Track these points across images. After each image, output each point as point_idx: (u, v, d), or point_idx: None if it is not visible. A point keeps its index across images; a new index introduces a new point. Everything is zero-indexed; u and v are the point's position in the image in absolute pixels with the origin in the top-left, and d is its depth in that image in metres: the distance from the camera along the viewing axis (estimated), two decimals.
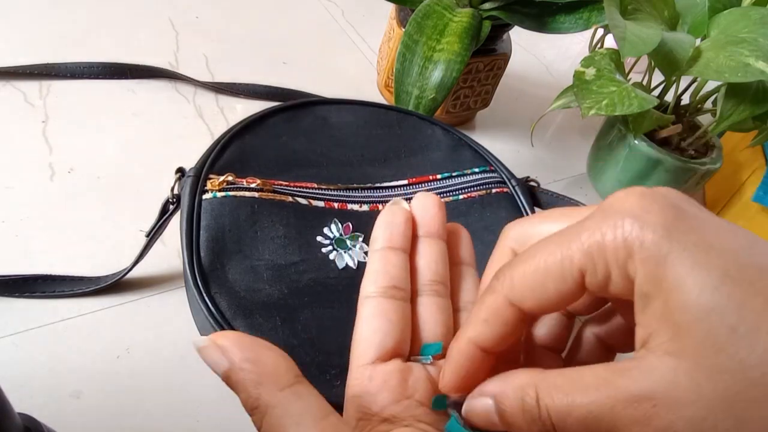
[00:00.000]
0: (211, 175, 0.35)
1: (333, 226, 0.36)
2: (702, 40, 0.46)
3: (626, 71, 0.46)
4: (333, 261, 0.35)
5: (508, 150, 0.61)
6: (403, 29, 0.49)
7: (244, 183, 0.35)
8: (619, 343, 0.21)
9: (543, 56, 0.79)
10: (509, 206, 0.41)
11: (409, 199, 0.24)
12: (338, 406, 0.21)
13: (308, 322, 0.32)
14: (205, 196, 0.34)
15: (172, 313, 0.38)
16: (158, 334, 0.37)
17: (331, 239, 0.36)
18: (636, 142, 0.50)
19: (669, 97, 0.52)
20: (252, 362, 0.18)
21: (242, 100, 0.56)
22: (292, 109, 0.42)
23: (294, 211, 0.36)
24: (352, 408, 0.21)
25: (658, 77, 0.49)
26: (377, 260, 0.22)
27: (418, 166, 0.42)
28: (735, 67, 0.40)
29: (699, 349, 0.14)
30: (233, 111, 0.55)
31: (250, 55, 0.62)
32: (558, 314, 0.22)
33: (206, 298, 0.31)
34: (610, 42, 0.49)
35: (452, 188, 0.41)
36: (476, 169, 0.43)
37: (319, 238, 0.35)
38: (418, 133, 0.44)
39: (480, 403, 0.19)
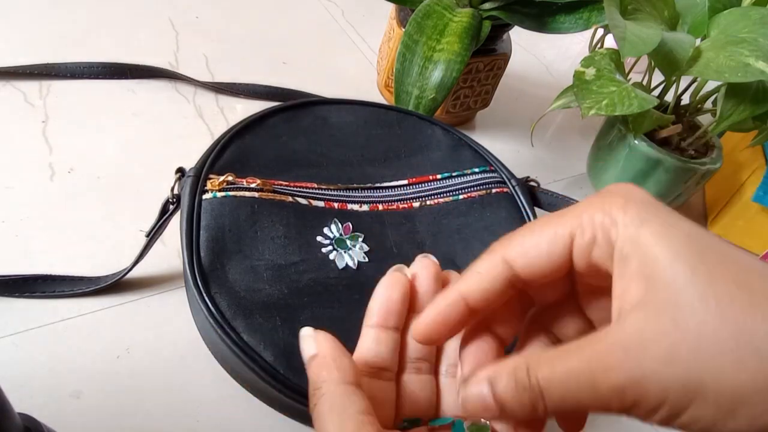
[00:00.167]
0: (211, 175, 0.35)
1: (333, 226, 0.36)
2: (702, 40, 0.46)
3: (626, 71, 0.46)
4: (333, 261, 0.35)
5: (508, 150, 0.61)
6: (403, 29, 0.50)
7: (244, 183, 0.35)
8: None
9: (543, 56, 0.79)
10: (509, 206, 0.41)
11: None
12: None
13: (308, 322, 0.31)
14: (205, 196, 0.34)
15: (172, 313, 0.38)
16: (158, 334, 0.37)
17: (331, 239, 0.36)
18: (636, 142, 0.50)
19: (669, 97, 0.52)
20: (331, 357, 0.21)
21: (242, 100, 0.56)
22: (292, 109, 0.42)
23: (294, 211, 0.36)
24: None
25: (658, 77, 0.49)
26: (370, 340, 0.24)
27: (418, 166, 0.42)
28: (735, 67, 0.40)
29: (665, 302, 0.17)
30: (233, 111, 0.55)
31: (250, 55, 0.62)
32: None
33: (206, 298, 0.31)
34: (610, 42, 0.49)
35: (452, 188, 0.41)
36: (476, 169, 0.43)
37: (319, 238, 0.35)
38: (418, 133, 0.44)
39: (475, 388, 0.20)
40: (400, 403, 0.24)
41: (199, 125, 0.52)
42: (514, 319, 0.23)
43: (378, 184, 0.40)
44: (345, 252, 0.35)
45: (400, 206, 0.39)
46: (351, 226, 0.37)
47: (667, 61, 0.43)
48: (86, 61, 0.53)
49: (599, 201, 0.19)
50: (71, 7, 0.60)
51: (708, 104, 0.52)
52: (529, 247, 0.20)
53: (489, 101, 0.61)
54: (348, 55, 0.67)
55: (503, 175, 0.43)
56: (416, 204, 0.39)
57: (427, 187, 0.41)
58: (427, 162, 0.42)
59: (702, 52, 0.44)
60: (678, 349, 0.16)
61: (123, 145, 0.48)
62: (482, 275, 0.21)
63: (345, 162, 0.40)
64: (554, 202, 0.43)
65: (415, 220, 0.39)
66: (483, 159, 0.44)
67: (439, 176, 0.41)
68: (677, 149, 0.51)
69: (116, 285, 0.38)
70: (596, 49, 0.48)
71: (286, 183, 0.37)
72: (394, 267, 0.25)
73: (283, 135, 0.40)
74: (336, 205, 0.37)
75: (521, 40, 0.78)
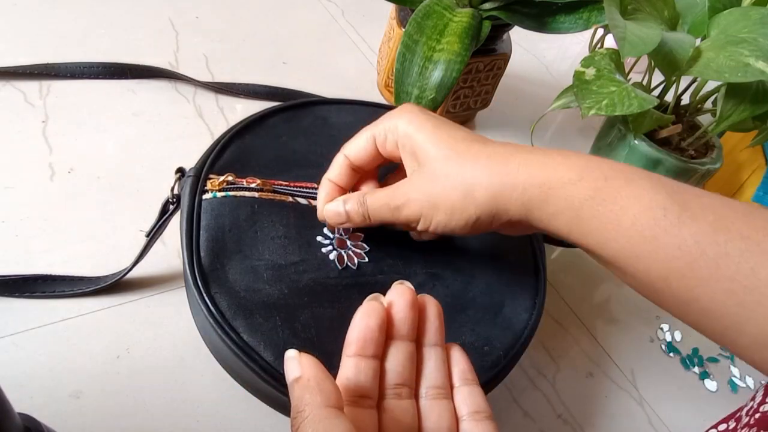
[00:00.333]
0: (211, 175, 0.35)
1: None
2: (702, 40, 0.46)
3: (626, 71, 0.46)
4: (333, 261, 0.35)
5: None
6: (403, 29, 0.50)
7: (244, 183, 0.35)
8: None
9: (543, 56, 0.79)
10: None
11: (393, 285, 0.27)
12: None
13: (308, 322, 0.32)
14: (205, 196, 0.34)
15: (172, 313, 0.38)
16: (158, 334, 0.37)
17: (331, 239, 0.36)
18: (636, 142, 0.50)
19: (669, 97, 0.52)
20: (315, 381, 0.22)
21: (242, 100, 0.56)
22: (292, 109, 0.42)
23: (294, 211, 0.36)
24: None
25: (658, 77, 0.49)
26: (350, 369, 0.25)
27: None
28: (735, 67, 0.40)
29: (426, 166, 0.30)
30: (233, 111, 0.55)
31: (250, 55, 0.62)
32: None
33: (206, 298, 0.31)
34: (610, 42, 0.49)
35: None
36: None
37: (319, 238, 0.35)
38: None
39: (334, 204, 0.33)
40: (382, 430, 0.24)
41: (199, 125, 0.52)
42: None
43: None
44: (345, 252, 0.35)
45: None
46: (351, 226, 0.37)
47: (667, 61, 0.43)
48: (86, 61, 0.53)
49: (388, 115, 0.32)
50: (71, 7, 0.60)
51: (708, 104, 0.52)
52: (355, 146, 0.33)
53: (489, 101, 0.61)
54: (348, 55, 0.67)
55: None
56: None
57: None
58: None
59: (702, 52, 0.44)
60: (428, 187, 0.30)
61: (123, 145, 0.48)
62: (336, 166, 0.34)
63: None
64: None
65: None
66: None
67: None
68: (677, 149, 0.51)
69: (116, 285, 0.38)
70: (596, 49, 0.48)
71: (286, 183, 0.37)
72: (371, 296, 0.26)
73: (283, 135, 0.40)
74: None
75: (521, 40, 0.78)
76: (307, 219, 0.36)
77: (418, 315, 0.27)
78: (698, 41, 0.46)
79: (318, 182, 0.38)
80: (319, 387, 0.22)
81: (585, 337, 0.46)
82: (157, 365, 0.36)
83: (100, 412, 0.33)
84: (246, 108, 0.55)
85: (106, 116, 0.50)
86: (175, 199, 0.35)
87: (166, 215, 0.36)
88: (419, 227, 0.31)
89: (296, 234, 0.35)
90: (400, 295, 0.26)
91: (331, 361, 0.30)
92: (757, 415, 0.34)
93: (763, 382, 0.39)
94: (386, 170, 0.37)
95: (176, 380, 0.35)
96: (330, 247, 0.35)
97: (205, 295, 0.31)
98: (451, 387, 0.27)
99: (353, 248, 0.36)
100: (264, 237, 0.34)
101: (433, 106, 0.47)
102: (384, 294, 0.27)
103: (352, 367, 0.25)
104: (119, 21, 0.60)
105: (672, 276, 0.25)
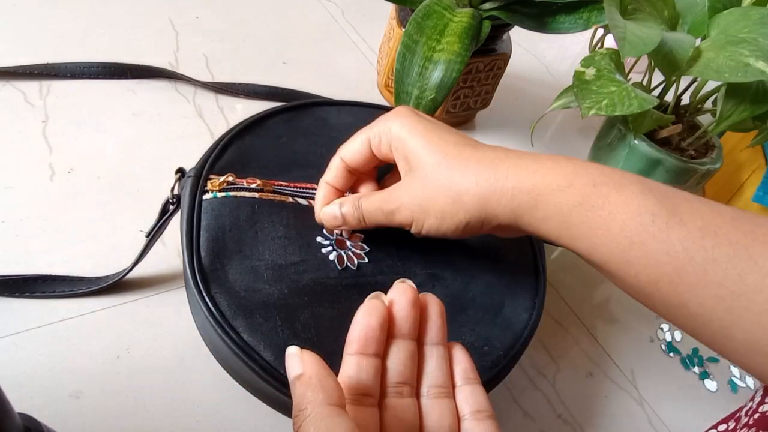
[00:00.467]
0: (212, 176, 0.35)
1: None
2: (702, 40, 0.46)
3: (626, 71, 0.46)
4: (333, 261, 0.35)
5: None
6: (403, 29, 0.50)
7: (245, 183, 0.36)
8: None
9: (543, 56, 0.79)
10: None
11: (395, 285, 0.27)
12: None
13: (308, 322, 0.32)
14: (205, 197, 0.34)
15: (172, 313, 0.38)
16: (158, 334, 0.37)
17: (331, 240, 0.36)
18: (636, 142, 0.50)
19: (669, 97, 0.52)
20: (317, 378, 0.22)
21: (242, 100, 0.56)
22: (292, 110, 0.42)
23: (294, 211, 0.36)
24: None
25: (658, 77, 0.49)
26: (352, 367, 0.25)
27: None
28: (735, 67, 0.40)
29: (417, 171, 0.31)
30: (233, 111, 0.55)
31: (250, 55, 0.62)
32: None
33: (206, 298, 0.31)
34: (610, 42, 0.49)
35: None
36: None
37: (319, 239, 0.35)
38: None
39: (330, 207, 0.34)
40: (383, 428, 0.24)
41: (199, 125, 0.52)
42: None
43: None
44: (345, 252, 0.35)
45: None
46: None
47: (667, 61, 0.43)
48: (86, 61, 0.53)
49: (383, 118, 0.33)
50: (71, 7, 0.60)
51: (708, 104, 0.52)
52: (351, 149, 0.34)
53: (489, 101, 0.61)
54: (348, 55, 0.67)
55: None
56: None
57: None
58: None
59: (702, 52, 0.44)
60: (419, 192, 0.31)
61: (123, 145, 0.48)
62: (332, 169, 0.34)
63: None
64: None
65: None
66: None
67: None
68: (677, 149, 0.51)
69: (116, 285, 0.38)
70: (596, 49, 0.48)
71: (287, 183, 0.37)
72: (372, 294, 0.26)
73: (283, 136, 0.40)
74: None
75: (521, 40, 0.78)
76: (307, 219, 0.36)
77: (420, 313, 0.27)
78: (698, 41, 0.46)
79: (318, 183, 0.38)
80: (321, 384, 0.22)
81: (585, 337, 0.46)
82: (157, 365, 0.36)
83: (100, 412, 0.33)
84: (246, 108, 0.55)
85: (106, 116, 0.50)
86: (175, 200, 0.35)
87: (167, 215, 0.36)
88: (412, 230, 0.32)
89: (296, 234, 0.35)
90: (401, 293, 0.26)
91: (331, 361, 0.30)
92: (756, 416, 0.34)
93: None
94: (385, 169, 0.37)
95: (176, 380, 0.35)
96: (330, 248, 0.35)
97: (205, 295, 0.31)
98: (453, 386, 0.27)
99: (353, 249, 0.36)
100: (264, 237, 0.34)
101: (433, 106, 0.47)
102: (385, 293, 0.27)
103: (354, 365, 0.25)
104: (119, 21, 0.60)
105: (661, 281, 0.25)
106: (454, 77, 0.46)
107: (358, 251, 0.36)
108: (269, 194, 0.36)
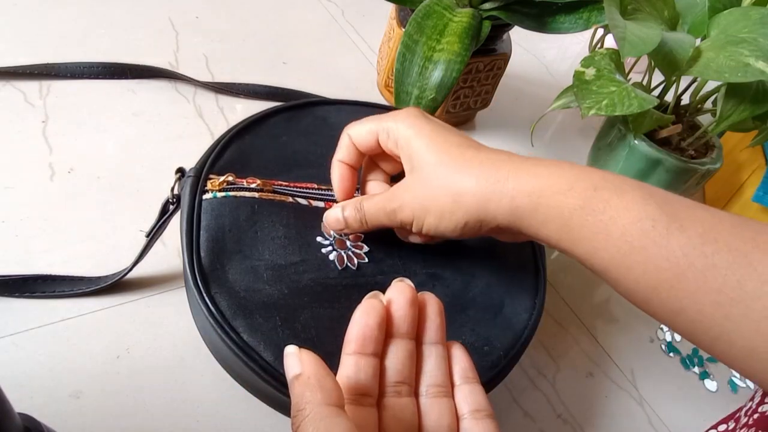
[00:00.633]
0: (212, 176, 0.35)
1: None
2: (702, 40, 0.46)
3: (626, 71, 0.46)
4: (333, 261, 0.35)
5: (508, 150, 0.61)
6: (403, 29, 0.49)
7: (245, 183, 0.36)
8: None
9: (543, 56, 0.79)
10: None
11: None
12: None
13: (308, 322, 0.32)
14: (205, 197, 0.34)
15: (172, 313, 0.38)
16: (158, 334, 0.37)
17: (331, 240, 0.36)
18: (636, 142, 0.50)
19: (669, 97, 0.52)
20: (315, 378, 0.22)
21: (242, 100, 0.56)
22: (292, 109, 0.42)
23: (294, 211, 0.36)
24: None
25: (658, 77, 0.49)
26: (350, 367, 0.25)
27: None
28: (735, 67, 0.40)
29: (419, 171, 0.31)
30: (233, 111, 0.55)
31: (250, 55, 0.62)
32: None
33: (206, 298, 0.31)
34: (610, 42, 0.49)
35: None
36: None
37: (319, 239, 0.35)
38: None
39: (333, 211, 0.34)
40: (382, 428, 0.24)
41: (199, 125, 0.52)
42: (391, 162, 0.36)
43: None
44: (345, 252, 0.35)
45: None
46: None
47: (667, 61, 0.43)
48: (86, 61, 0.53)
49: (393, 115, 0.33)
50: (71, 7, 0.60)
51: (708, 104, 0.52)
52: (359, 134, 0.34)
53: (489, 101, 0.61)
54: (348, 55, 0.67)
55: None
56: None
57: None
58: None
59: (702, 52, 0.44)
60: (420, 191, 0.31)
61: (123, 145, 0.48)
62: (343, 148, 0.35)
63: None
64: None
65: None
66: None
67: None
68: (677, 149, 0.51)
69: (116, 285, 0.38)
70: (596, 49, 0.48)
71: (287, 183, 0.37)
72: (370, 294, 0.26)
73: (283, 135, 0.40)
74: None
75: (521, 40, 0.78)
76: (307, 219, 0.36)
77: (419, 312, 0.27)
78: (698, 41, 0.46)
79: (318, 183, 0.38)
80: (319, 384, 0.22)
81: (585, 337, 0.46)
82: (157, 365, 0.36)
83: (100, 412, 0.33)
84: (246, 108, 0.55)
85: (106, 116, 0.50)
86: (175, 199, 0.35)
87: (166, 215, 0.36)
88: (413, 229, 0.32)
89: (296, 234, 0.35)
90: (399, 292, 0.26)
91: (331, 361, 0.30)
92: (755, 416, 0.34)
93: None
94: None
95: (176, 380, 0.35)
96: (330, 248, 0.35)
97: (205, 295, 0.31)
98: (452, 385, 0.27)
99: (353, 249, 0.36)
100: (264, 237, 0.34)
101: (433, 106, 0.47)
102: (384, 292, 0.27)
103: (352, 365, 0.25)
104: (119, 21, 0.60)
105: (661, 287, 0.25)
106: (454, 77, 0.46)
107: (358, 251, 0.36)
108: (269, 194, 0.36)
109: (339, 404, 0.22)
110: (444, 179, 0.30)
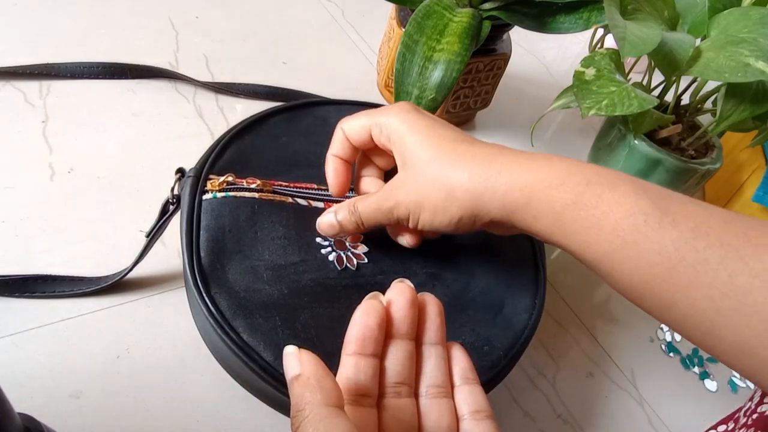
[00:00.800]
0: (212, 176, 0.35)
1: None
2: (702, 40, 0.46)
3: (626, 71, 0.46)
4: (333, 262, 0.35)
5: None
6: (403, 29, 0.50)
7: (245, 183, 0.36)
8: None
9: (543, 56, 0.79)
10: None
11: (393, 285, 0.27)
12: None
13: (308, 322, 0.32)
14: (205, 197, 0.34)
15: (172, 313, 0.38)
16: (158, 334, 0.37)
17: (331, 240, 0.36)
18: (636, 142, 0.50)
19: (669, 97, 0.52)
20: (315, 378, 0.22)
21: (242, 100, 0.56)
22: (292, 109, 0.42)
23: (294, 211, 0.36)
24: None
25: (658, 77, 0.49)
26: (350, 367, 0.25)
27: None
28: (735, 67, 0.40)
29: (412, 166, 0.31)
30: (233, 111, 0.55)
31: (250, 55, 0.62)
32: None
33: (206, 298, 0.31)
34: (610, 42, 0.49)
35: None
36: None
37: (318, 239, 0.35)
38: None
39: (326, 215, 0.34)
40: (382, 429, 0.24)
41: (199, 125, 0.52)
42: (384, 157, 0.36)
43: None
44: (344, 253, 0.35)
45: None
46: None
47: (667, 61, 0.43)
48: (86, 61, 0.53)
49: (386, 109, 0.33)
50: (71, 7, 0.60)
51: (708, 104, 0.52)
52: (352, 128, 0.34)
53: (489, 101, 0.61)
54: (348, 55, 0.67)
55: None
56: None
57: None
58: None
59: (702, 52, 0.44)
60: (414, 187, 0.31)
61: (123, 145, 0.48)
62: (337, 142, 0.35)
63: None
64: None
65: None
66: None
67: None
68: (677, 149, 0.51)
69: (116, 285, 0.38)
70: (596, 49, 0.48)
71: (286, 183, 0.37)
72: (370, 294, 0.26)
73: (283, 135, 0.40)
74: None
75: (521, 40, 0.78)
76: (307, 220, 0.36)
77: (419, 313, 0.27)
78: (698, 41, 0.46)
79: (318, 183, 0.38)
80: (319, 385, 0.22)
81: (585, 337, 0.46)
82: (157, 365, 0.36)
83: (100, 412, 0.33)
84: (246, 108, 0.55)
85: (106, 116, 0.50)
86: (175, 200, 0.35)
87: (166, 215, 0.36)
88: (410, 224, 0.32)
89: (296, 234, 0.35)
90: (399, 293, 0.26)
91: (331, 361, 0.30)
92: (754, 416, 0.34)
93: None
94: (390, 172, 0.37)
95: (176, 380, 0.35)
96: (329, 248, 0.35)
97: (205, 295, 0.31)
98: (452, 386, 0.27)
99: (352, 249, 0.36)
100: (264, 237, 0.34)
101: (433, 106, 0.47)
102: (384, 293, 0.27)
103: (352, 365, 0.25)
104: (119, 21, 0.60)
105: (653, 281, 0.25)
106: (454, 77, 0.46)
107: (357, 251, 0.36)
108: (269, 194, 0.36)
109: (339, 405, 0.21)
110: (437, 174, 0.30)
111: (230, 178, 0.35)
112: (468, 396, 0.26)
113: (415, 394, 0.26)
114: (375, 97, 0.62)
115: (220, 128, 0.52)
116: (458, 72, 0.47)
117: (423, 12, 0.48)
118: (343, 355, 0.25)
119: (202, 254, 0.32)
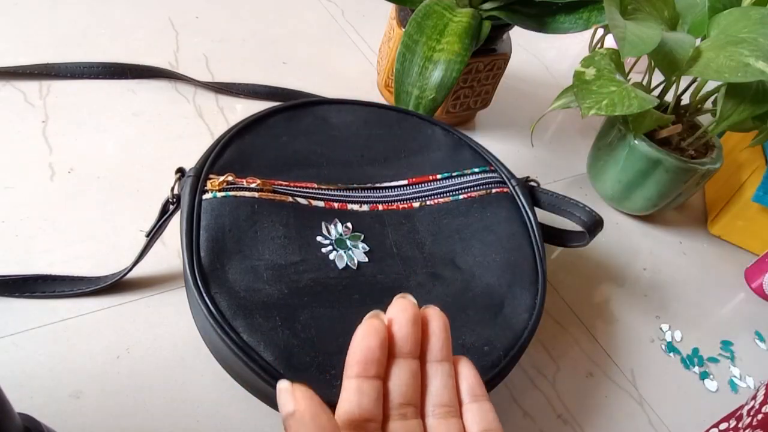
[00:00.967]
0: (211, 175, 0.35)
1: (333, 227, 0.36)
2: (702, 40, 0.46)
3: (626, 71, 0.46)
4: (333, 261, 0.35)
5: (508, 150, 0.61)
6: (403, 29, 0.50)
7: (244, 183, 0.35)
8: None
9: (543, 56, 0.79)
10: (509, 206, 0.41)
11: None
12: (336, 406, 0.21)
13: (308, 322, 0.32)
14: (205, 196, 0.34)
15: (172, 313, 0.38)
16: (158, 334, 0.37)
17: (331, 239, 0.36)
18: (636, 142, 0.50)
19: (669, 97, 0.52)
20: (310, 416, 0.21)
21: (242, 100, 0.56)
22: (292, 109, 0.42)
23: (294, 211, 0.36)
24: None
25: (658, 77, 0.49)
26: (353, 391, 0.24)
27: (418, 166, 0.42)
28: (735, 67, 0.40)
29: None
30: (233, 111, 0.55)
31: (250, 55, 0.62)
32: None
33: (206, 298, 0.31)
34: (610, 42, 0.49)
35: (452, 188, 0.41)
36: (476, 169, 0.43)
37: (318, 239, 0.35)
38: (418, 133, 0.44)
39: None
40: None
41: (199, 125, 0.52)
42: None
43: (378, 184, 0.40)
44: (345, 252, 0.35)
45: (400, 206, 0.39)
46: (351, 226, 0.37)
47: (667, 61, 0.43)
48: (86, 61, 0.53)
49: None
50: (71, 7, 0.60)
51: (708, 104, 0.52)
52: None
53: (489, 101, 0.61)
54: (348, 55, 0.67)
55: (503, 175, 0.43)
56: (416, 204, 0.39)
57: (427, 187, 0.41)
58: (427, 162, 0.42)
59: (702, 52, 0.44)
60: None
61: (123, 145, 0.48)
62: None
63: (345, 162, 0.40)
64: (554, 202, 0.43)
65: (415, 220, 0.39)
66: (483, 159, 0.44)
67: (439, 176, 0.41)
68: (677, 149, 0.51)
69: (116, 285, 0.38)
70: (596, 49, 0.48)
71: (286, 183, 0.37)
72: (371, 313, 0.25)
73: (283, 135, 0.40)
74: (336, 205, 0.37)
75: (521, 40, 0.78)
76: (307, 219, 0.36)
77: (422, 328, 0.26)
78: (698, 41, 0.46)
79: (318, 183, 0.38)
80: (314, 422, 0.21)
81: (585, 337, 0.46)
82: (157, 365, 0.36)
83: (100, 412, 0.33)
84: (246, 108, 0.55)
85: (106, 116, 0.50)
86: (175, 199, 0.35)
87: (166, 215, 0.36)
88: None
89: (296, 234, 0.35)
90: (401, 310, 0.25)
91: (331, 361, 0.30)
92: (759, 416, 0.34)
93: (763, 381, 0.38)
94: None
95: (176, 380, 0.35)
96: (330, 247, 0.35)
97: (205, 295, 0.31)
98: (460, 403, 0.26)
99: (353, 248, 0.36)
100: (264, 237, 0.34)
101: (433, 106, 0.47)
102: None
103: (355, 389, 0.24)
104: (119, 21, 0.60)
105: None
106: (454, 77, 0.47)
107: (358, 251, 0.36)
108: (269, 194, 0.36)
109: None
110: None
111: (230, 178, 0.35)
112: (477, 414, 0.25)
113: (422, 415, 0.25)
114: (375, 97, 0.62)
115: (220, 128, 0.52)
116: (458, 72, 0.47)
117: (423, 12, 0.48)
118: (345, 378, 0.24)
119: (202, 254, 0.32)
